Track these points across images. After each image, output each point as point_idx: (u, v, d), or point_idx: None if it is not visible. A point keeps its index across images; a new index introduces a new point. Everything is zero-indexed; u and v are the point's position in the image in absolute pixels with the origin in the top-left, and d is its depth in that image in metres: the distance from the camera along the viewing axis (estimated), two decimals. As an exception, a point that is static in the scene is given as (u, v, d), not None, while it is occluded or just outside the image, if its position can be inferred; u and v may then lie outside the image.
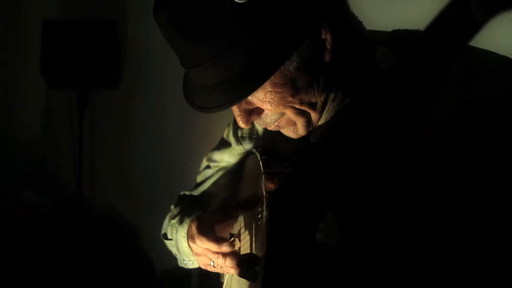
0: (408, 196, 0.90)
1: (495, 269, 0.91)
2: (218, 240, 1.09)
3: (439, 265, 0.90)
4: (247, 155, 1.25)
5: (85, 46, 3.06)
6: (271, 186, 1.04)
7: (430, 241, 0.90)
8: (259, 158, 1.11)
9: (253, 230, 1.11)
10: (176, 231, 1.23)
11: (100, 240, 3.18)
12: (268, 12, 0.84)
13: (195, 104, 0.94)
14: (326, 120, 0.99)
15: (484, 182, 0.87)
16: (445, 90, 0.88)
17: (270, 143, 1.15)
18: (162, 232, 1.33)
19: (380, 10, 1.58)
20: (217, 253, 1.08)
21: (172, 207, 1.33)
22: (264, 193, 1.04)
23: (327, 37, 0.90)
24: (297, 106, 0.94)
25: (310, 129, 0.99)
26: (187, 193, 1.36)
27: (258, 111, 0.96)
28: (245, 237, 1.15)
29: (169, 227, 1.27)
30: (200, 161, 1.38)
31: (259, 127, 1.19)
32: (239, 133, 1.23)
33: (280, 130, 1.01)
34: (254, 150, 1.18)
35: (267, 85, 0.89)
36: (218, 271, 1.13)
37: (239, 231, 1.19)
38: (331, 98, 0.96)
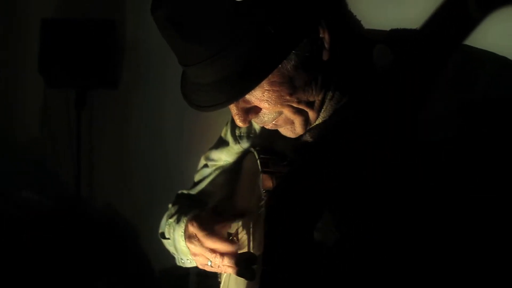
0: (406, 196, 0.90)
1: (492, 269, 0.92)
2: (225, 240, 1.09)
3: (437, 265, 0.90)
4: (245, 154, 1.25)
5: (83, 45, 3.07)
6: (269, 185, 1.04)
7: (428, 241, 0.90)
8: (257, 157, 1.11)
9: (251, 229, 1.11)
10: (174, 230, 1.23)
11: (99, 239, 3.18)
12: (266, 10, 0.84)
13: (193, 103, 0.94)
14: (324, 119, 0.99)
15: (482, 182, 0.87)
16: (443, 90, 0.88)
17: (268, 142, 1.15)
18: (160, 231, 1.33)
19: (378, 9, 1.58)
20: (214, 252, 1.08)
21: (169, 205, 1.33)
22: (262, 191, 1.04)
23: (325, 36, 0.90)
24: (295, 105, 0.94)
25: (308, 128, 0.99)
26: (185, 192, 1.36)
27: (256, 110, 0.96)
28: (243, 236, 1.15)
29: (167, 226, 1.27)
30: (199, 160, 1.38)
31: (257, 126, 1.19)
32: (237, 132, 1.23)
33: (278, 129, 1.01)
34: (252, 149, 1.18)
35: (264, 84, 0.89)
36: (216, 271, 1.13)
37: (237, 230, 1.19)
38: (329, 97, 0.96)
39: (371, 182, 0.91)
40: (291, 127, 0.99)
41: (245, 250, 1.12)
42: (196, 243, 1.12)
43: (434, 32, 0.69)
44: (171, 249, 1.30)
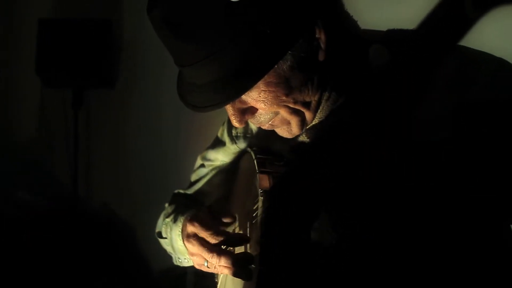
0: (402, 196, 0.90)
1: (487, 268, 0.92)
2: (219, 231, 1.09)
3: (433, 264, 0.90)
4: (241, 154, 1.25)
5: (80, 45, 3.06)
6: (266, 185, 1.04)
7: (424, 241, 0.90)
8: (253, 157, 1.11)
9: (248, 229, 1.11)
10: (171, 230, 1.23)
11: (96, 239, 3.18)
12: (261, 11, 0.84)
13: (189, 103, 0.94)
14: (320, 119, 0.99)
15: (478, 182, 0.88)
16: (439, 90, 0.88)
17: (264, 142, 1.15)
18: (157, 230, 1.32)
19: (375, 10, 1.58)
20: (212, 252, 1.08)
21: (166, 205, 1.33)
22: (259, 192, 1.04)
23: (321, 36, 0.90)
24: (291, 106, 0.94)
25: (304, 128, 0.99)
26: (181, 191, 1.36)
27: (252, 110, 0.96)
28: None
29: (164, 225, 1.27)
30: (196, 160, 1.38)
31: (254, 126, 1.19)
32: (234, 132, 1.23)
33: (274, 129, 1.01)
34: (248, 149, 1.18)
35: (260, 84, 0.89)
36: (212, 271, 1.13)
37: (234, 230, 1.19)
38: (325, 97, 0.96)
39: (368, 182, 0.91)
40: (288, 128, 0.99)
41: (242, 250, 1.12)
42: (194, 242, 1.12)
43: (431, 31, 0.69)
44: (168, 248, 1.30)
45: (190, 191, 1.35)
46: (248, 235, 1.11)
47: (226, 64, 0.85)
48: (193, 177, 1.35)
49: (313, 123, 0.99)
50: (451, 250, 0.91)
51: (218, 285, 1.27)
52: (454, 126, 0.88)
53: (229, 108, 0.95)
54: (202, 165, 1.33)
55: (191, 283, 2.32)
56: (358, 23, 1.01)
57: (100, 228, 3.28)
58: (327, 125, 0.98)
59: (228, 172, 1.30)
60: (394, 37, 0.99)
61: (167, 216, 1.26)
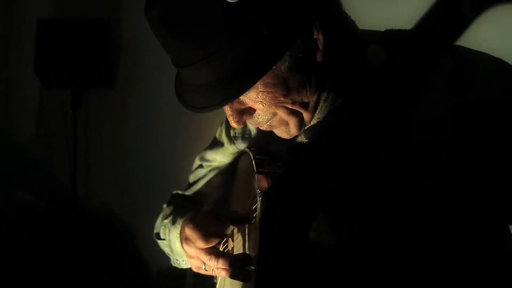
0: (401, 196, 0.90)
1: (485, 268, 0.92)
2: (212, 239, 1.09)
3: (431, 265, 0.90)
4: (240, 155, 1.25)
5: (79, 45, 3.06)
6: (264, 185, 1.04)
7: (423, 241, 0.90)
8: (252, 158, 1.11)
9: (246, 229, 1.11)
10: (169, 231, 1.23)
11: (95, 240, 3.18)
12: (260, 11, 0.84)
13: (187, 104, 0.94)
14: (319, 120, 0.99)
15: (476, 182, 0.88)
16: (437, 91, 0.88)
17: (263, 143, 1.15)
18: (155, 231, 1.32)
19: (373, 10, 1.58)
20: (210, 254, 1.07)
21: (164, 206, 1.33)
22: (257, 192, 1.04)
23: (319, 37, 0.90)
24: (289, 106, 0.94)
25: (303, 129, 0.99)
26: (180, 192, 1.36)
27: (250, 111, 0.96)
28: (238, 236, 1.15)
29: (162, 227, 1.27)
30: (195, 160, 1.37)
31: (252, 127, 1.19)
32: (232, 132, 1.23)
33: (273, 130, 1.01)
34: (247, 149, 1.18)
35: (259, 85, 0.89)
36: (210, 274, 1.13)
37: (232, 231, 1.19)
38: (323, 98, 0.96)
39: (366, 183, 0.91)
40: (286, 128, 0.99)
41: (241, 251, 1.12)
42: (192, 245, 1.12)
43: (428, 31, 0.69)
44: (166, 250, 1.30)
45: (189, 192, 1.35)
46: (246, 235, 1.11)
47: (224, 65, 0.85)
48: (191, 178, 1.35)
49: (311, 124, 0.99)
50: (450, 250, 0.91)
51: (217, 286, 1.27)
52: (452, 126, 0.88)
53: (227, 109, 0.95)
54: (201, 166, 1.33)
55: (190, 284, 2.32)
56: (356, 23, 1.01)
57: (100, 229, 3.28)
58: (325, 126, 0.98)
59: (227, 172, 1.30)
60: (392, 37, 0.99)
61: (166, 218, 1.26)
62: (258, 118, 0.97)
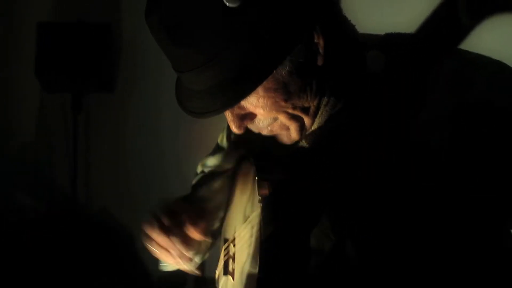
0: (403, 201, 0.90)
1: (485, 270, 0.92)
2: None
3: (432, 267, 0.90)
4: (241, 160, 1.25)
5: (80, 48, 3.06)
6: (265, 191, 1.04)
7: (424, 244, 0.90)
8: (253, 163, 1.11)
9: (248, 235, 1.10)
10: None
11: (95, 243, 3.17)
12: (260, 16, 0.83)
13: (188, 109, 0.94)
14: (320, 124, 0.98)
15: (477, 184, 0.88)
16: (439, 93, 0.88)
17: (264, 148, 1.14)
18: None
19: (372, 14, 1.58)
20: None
21: None
22: (258, 198, 1.04)
23: (319, 41, 0.90)
24: (290, 111, 0.94)
25: (304, 134, 0.99)
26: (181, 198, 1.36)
27: (251, 116, 0.95)
28: (239, 242, 1.15)
29: None
30: (196, 164, 1.37)
31: (253, 132, 1.18)
32: (233, 137, 1.23)
33: (274, 135, 1.01)
34: (248, 154, 1.18)
35: (259, 90, 0.89)
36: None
37: (234, 236, 1.18)
38: (324, 102, 0.96)
39: (368, 187, 0.91)
40: (287, 133, 0.99)
41: (242, 256, 1.11)
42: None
43: (426, 37, 0.69)
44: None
45: (190, 197, 1.34)
46: (247, 241, 1.10)
47: (225, 70, 0.85)
48: (193, 183, 1.35)
49: (312, 129, 0.99)
50: (451, 252, 0.91)
51: (218, 291, 1.27)
52: (452, 127, 0.88)
53: (228, 114, 0.95)
54: (202, 171, 1.33)
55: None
56: (356, 27, 1.01)
57: (100, 232, 3.28)
58: (326, 130, 0.98)
59: (228, 177, 1.30)
60: (391, 41, 0.99)
61: None
62: (259, 123, 0.97)
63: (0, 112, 3.78)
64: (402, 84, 0.84)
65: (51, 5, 3.48)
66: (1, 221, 3.17)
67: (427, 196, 0.88)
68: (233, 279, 1.15)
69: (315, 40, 0.90)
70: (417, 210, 0.89)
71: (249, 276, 1.05)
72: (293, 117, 0.95)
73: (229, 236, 1.21)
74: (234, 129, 0.96)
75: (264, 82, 0.87)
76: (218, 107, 0.88)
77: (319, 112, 0.97)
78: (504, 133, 0.88)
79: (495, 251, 0.95)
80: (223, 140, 1.27)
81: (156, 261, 1.33)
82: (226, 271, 1.20)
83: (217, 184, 1.31)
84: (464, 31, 0.63)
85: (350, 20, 0.99)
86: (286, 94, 0.91)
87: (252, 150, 1.18)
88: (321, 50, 0.90)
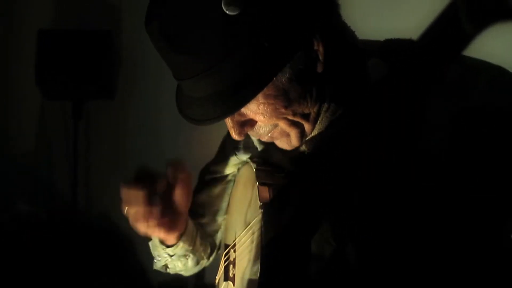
0: (403, 204, 0.90)
1: (486, 273, 0.92)
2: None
3: (433, 271, 0.90)
4: (242, 165, 1.25)
5: (80, 56, 3.06)
6: (266, 197, 1.04)
7: (425, 248, 0.90)
8: (253, 169, 1.11)
9: (248, 241, 1.10)
10: None
11: (95, 250, 3.17)
12: (260, 23, 0.84)
13: (188, 116, 0.94)
14: (320, 131, 0.99)
15: (479, 188, 0.88)
16: (439, 98, 0.88)
17: (264, 154, 1.15)
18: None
19: (372, 20, 1.59)
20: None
21: None
22: (259, 203, 1.04)
23: (319, 48, 0.90)
24: (290, 118, 0.94)
25: (304, 140, 0.99)
26: None
27: (251, 123, 0.96)
28: (240, 247, 1.15)
29: None
30: (196, 170, 1.37)
31: (254, 138, 1.19)
32: (234, 144, 1.23)
33: (274, 141, 1.01)
34: (248, 160, 1.18)
35: (259, 97, 0.89)
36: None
37: (234, 242, 1.19)
38: (324, 109, 0.96)
39: (368, 193, 0.91)
40: (287, 140, 0.99)
41: (243, 261, 1.11)
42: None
43: (429, 46, 0.70)
44: (153, 252, 1.29)
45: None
46: (248, 246, 1.10)
47: (225, 77, 0.85)
48: (193, 189, 1.35)
49: (312, 135, 0.99)
50: (452, 257, 0.91)
51: (219, 297, 1.26)
52: (453, 132, 0.88)
53: (228, 121, 0.95)
54: (202, 178, 1.33)
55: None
56: (356, 33, 1.01)
57: (100, 238, 3.28)
58: (327, 137, 0.98)
59: (228, 182, 1.30)
60: (391, 47, 0.99)
61: None
62: (259, 130, 0.97)
63: (1, 119, 3.79)
64: (403, 90, 0.85)
65: (52, 13, 3.49)
66: (2, 226, 3.17)
67: (428, 201, 0.88)
68: (233, 284, 1.15)
69: (314, 47, 0.90)
70: (418, 216, 0.89)
71: (250, 282, 1.05)
72: (293, 124, 0.95)
73: (229, 241, 1.21)
74: (235, 136, 0.96)
75: (264, 89, 0.87)
76: (219, 114, 0.89)
77: (320, 118, 0.97)
78: (504, 137, 0.88)
79: (495, 255, 0.95)
80: (224, 146, 1.27)
81: (156, 270, 1.33)
82: (226, 277, 1.20)
83: (217, 189, 1.31)
84: (465, 40, 0.63)
85: (349, 27, 0.99)
86: (286, 101, 0.91)
87: (253, 156, 1.19)
88: (321, 57, 0.91)
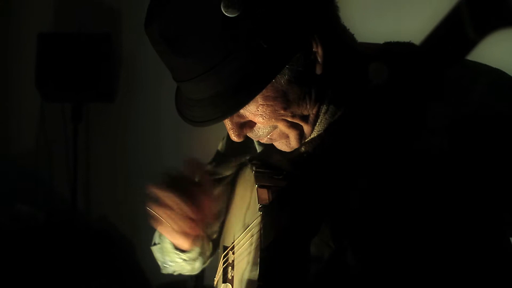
0: (402, 207, 0.90)
1: (486, 276, 0.92)
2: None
3: (432, 276, 0.90)
4: (240, 167, 1.25)
5: (80, 59, 3.07)
6: (265, 199, 1.04)
7: (425, 252, 0.90)
8: (252, 171, 1.11)
9: (247, 243, 1.10)
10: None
11: (95, 253, 3.17)
12: (259, 25, 0.84)
13: (187, 118, 0.94)
14: (319, 132, 0.99)
15: (479, 192, 0.88)
16: (438, 101, 0.88)
17: (263, 156, 1.15)
18: (153, 242, 1.32)
19: (371, 23, 1.59)
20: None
21: None
22: (258, 205, 1.04)
23: (318, 50, 0.90)
24: (289, 119, 0.94)
25: (303, 141, 0.99)
26: None
27: (251, 124, 0.96)
28: (239, 249, 1.15)
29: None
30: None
31: (253, 139, 1.19)
32: (232, 145, 1.23)
33: (273, 143, 1.01)
34: (247, 162, 1.18)
35: (258, 99, 0.89)
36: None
37: (233, 244, 1.18)
38: (323, 110, 0.96)
39: (367, 194, 0.91)
40: (286, 141, 0.99)
41: (241, 264, 1.11)
42: None
43: (431, 51, 0.70)
44: (158, 255, 1.28)
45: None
46: (247, 249, 1.10)
47: (224, 79, 0.86)
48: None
49: (311, 137, 0.99)
50: (452, 260, 0.90)
51: (218, 300, 1.26)
52: (453, 135, 0.88)
53: (227, 122, 0.95)
54: (202, 179, 1.33)
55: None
56: (355, 36, 1.01)
57: (99, 242, 3.28)
58: (326, 138, 0.98)
59: (227, 184, 1.30)
60: (391, 50, 0.99)
61: None
62: (259, 132, 0.97)
63: (1, 122, 3.79)
64: (403, 93, 0.85)
65: (52, 16, 3.50)
66: (2, 230, 3.17)
67: (428, 204, 0.88)
68: (232, 286, 1.15)
69: (313, 49, 0.90)
70: (417, 218, 0.89)
71: (249, 284, 1.05)
72: (292, 125, 0.95)
73: (228, 243, 1.21)
74: (234, 138, 0.96)
75: (263, 91, 0.87)
76: (218, 115, 0.89)
77: (319, 120, 0.97)
78: (503, 140, 0.88)
79: (494, 257, 0.95)
80: (223, 148, 1.27)
81: (156, 269, 1.33)
82: (225, 279, 1.19)
83: (216, 191, 1.31)
84: (469, 46, 0.63)
85: (349, 29, 1.00)
86: (285, 103, 0.91)
87: (252, 158, 1.19)
88: (319, 59, 0.91)
